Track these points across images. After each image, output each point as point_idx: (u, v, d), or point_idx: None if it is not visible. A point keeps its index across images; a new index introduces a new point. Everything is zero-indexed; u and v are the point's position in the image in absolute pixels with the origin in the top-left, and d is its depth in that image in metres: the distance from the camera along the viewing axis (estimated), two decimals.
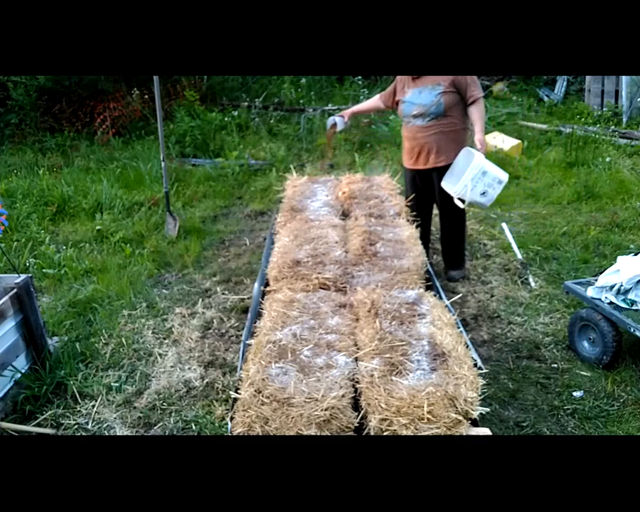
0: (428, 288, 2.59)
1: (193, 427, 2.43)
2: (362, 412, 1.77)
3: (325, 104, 7.82)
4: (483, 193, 3.21)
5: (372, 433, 1.71)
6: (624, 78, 7.54)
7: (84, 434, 2.40)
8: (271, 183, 5.46)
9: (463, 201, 3.21)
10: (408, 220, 3.21)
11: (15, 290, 2.52)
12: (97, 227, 4.51)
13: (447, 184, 3.32)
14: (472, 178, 3.13)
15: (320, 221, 3.12)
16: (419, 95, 3.37)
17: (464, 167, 3.19)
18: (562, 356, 2.94)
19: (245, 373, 1.90)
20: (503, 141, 6.33)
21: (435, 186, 3.55)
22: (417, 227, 3.13)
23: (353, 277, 2.58)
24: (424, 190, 3.68)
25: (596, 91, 8.03)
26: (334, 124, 3.70)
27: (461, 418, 1.71)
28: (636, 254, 2.87)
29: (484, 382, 1.89)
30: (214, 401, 2.57)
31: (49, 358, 2.71)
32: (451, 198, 3.29)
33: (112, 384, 2.69)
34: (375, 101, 3.79)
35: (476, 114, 3.36)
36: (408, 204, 3.56)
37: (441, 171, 3.41)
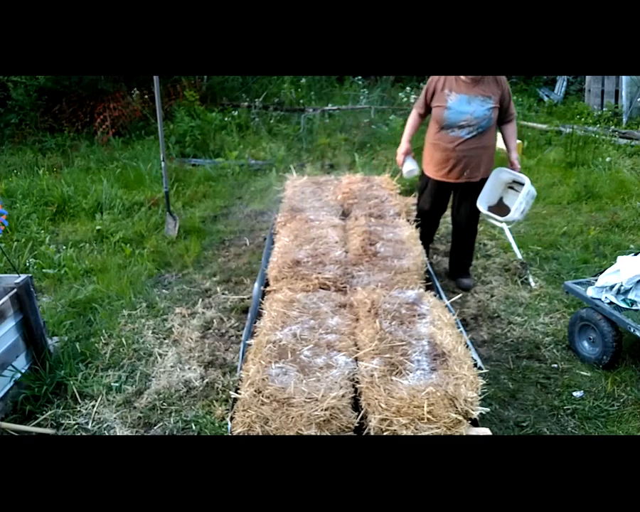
0: (428, 288, 2.59)
1: (193, 427, 2.43)
2: (362, 412, 1.78)
3: (325, 104, 7.82)
4: (523, 210, 3.38)
5: (372, 433, 1.71)
6: (624, 78, 7.54)
7: (84, 434, 2.40)
8: (271, 183, 5.46)
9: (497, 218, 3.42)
10: (408, 220, 3.22)
11: (15, 290, 2.52)
12: (97, 227, 4.50)
13: (482, 204, 3.40)
14: (526, 202, 3.32)
15: (320, 221, 3.12)
16: (467, 105, 3.14)
17: (497, 187, 3.43)
18: (562, 356, 2.93)
19: (245, 373, 1.90)
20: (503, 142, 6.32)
21: (460, 199, 3.48)
22: (418, 228, 3.15)
23: (353, 277, 2.58)
24: (444, 201, 3.57)
25: (596, 91, 8.03)
26: (412, 169, 3.42)
27: (461, 418, 1.71)
28: (636, 254, 2.87)
29: (484, 382, 1.89)
30: (214, 401, 2.57)
31: (49, 358, 2.70)
32: (471, 210, 3.43)
33: (112, 384, 2.69)
34: (416, 117, 3.45)
35: (512, 132, 3.35)
36: (415, 206, 3.58)
37: (473, 186, 3.34)
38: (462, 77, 3.16)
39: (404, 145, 3.43)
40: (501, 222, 3.46)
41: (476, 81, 3.14)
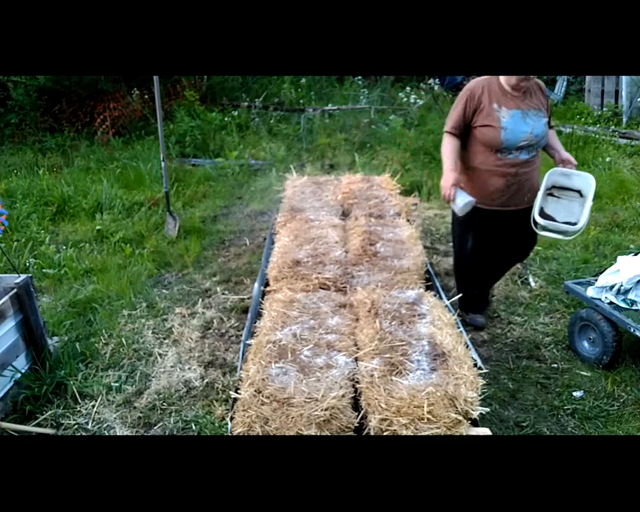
0: (428, 288, 2.59)
1: (193, 427, 2.43)
2: (362, 412, 1.77)
3: (325, 104, 7.82)
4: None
5: (372, 433, 1.71)
6: (624, 78, 7.54)
7: (84, 434, 2.40)
8: (271, 183, 5.46)
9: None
10: (408, 220, 3.21)
11: (15, 290, 2.52)
12: (97, 227, 4.50)
13: (538, 218, 2.72)
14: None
15: (320, 221, 3.12)
16: (523, 122, 2.69)
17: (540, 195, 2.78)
18: (562, 356, 2.94)
19: (245, 373, 1.90)
20: None
21: (516, 228, 2.91)
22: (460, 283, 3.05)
23: (353, 277, 2.58)
24: (496, 234, 2.98)
25: (596, 91, 8.04)
26: (469, 201, 2.73)
27: (461, 418, 1.71)
28: (636, 254, 2.87)
29: (484, 382, 1.89)
30: (214, 401, 2.57)
31: (49, 358, 2.71)
32: (529, 235, 2.93)
33: (112, 384, 2.69)
34: (455, 141, 2.82)
35: (553, 133, 2.95)
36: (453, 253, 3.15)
37: (529, 210, 2.79)
38: (507, 86, 2.71)
39: (451, 175, 2.74)
40: (569, 233, 2.74)
41: (524, 91, 2.72)
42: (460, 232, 3.05)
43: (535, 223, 2.75)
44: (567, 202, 2.85)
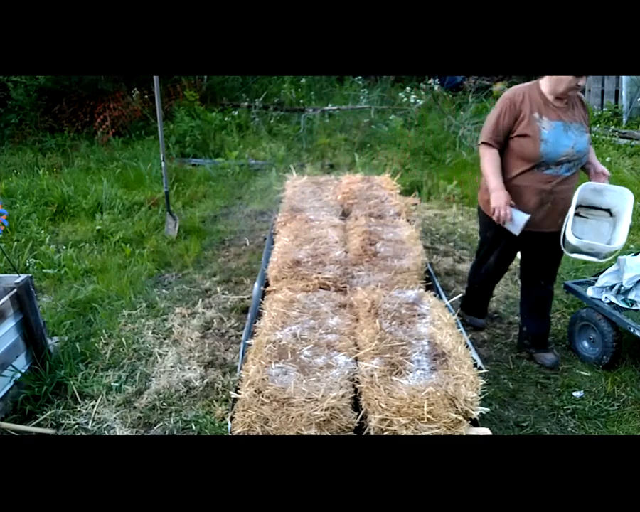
0: (428, 288, 2.59)
1: (193, 427, 2.43)
2: (362, 412, 1.77)
3: (325, 104, 7.82)
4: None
5: (372, 433, 1.71)
6: (624, 78, 7.55)
7: (84, 434, 2.40)
8: (271, 183, 5.46)
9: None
10: (408, 220, 3.22)
11: (15, 290, 2.52)
12: (97, 227, 4.50)
13: (570, 237, 2.47)
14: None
15: (320, 221, 3.12)
16: (565, 135, 2.46)
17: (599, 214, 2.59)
18: (562, 356, 2.93)
19: (245, 373, 1.90)
20: None
21: (545, 251, 2.71)
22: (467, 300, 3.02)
23: (353, 277, 2.58)
24: (513, 256, 2.85)
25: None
26: (525, 219, 2.53)
27: (461, 418, 1.71)
28: (636, 254, 2.87)
29: (484, 382, 1.89)
30: (214, 401, 2.57)
31: (49, 358, 2.70)
32: (557, 259, 2.74)
33: (112, 384, 2.69)
34: (495, 153, 2.60)
35: (591, 150, 2.67)
36: (472, 266, 3.03)
37: (557, 235, 2.59)
38: (550, 95, 2.48)
39: (502, 194, 2.51)
40: (603, 255, 2.50)
41: (566, 102, 2.50)
42: (482, 255, 2.92)
43: (564, 243, 2.52)
44: (596, 222, 2.63)
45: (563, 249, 2.56)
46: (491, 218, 2.58)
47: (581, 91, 2.51)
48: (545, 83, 2.50)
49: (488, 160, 2.60)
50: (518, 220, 2.52)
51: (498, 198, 2.52)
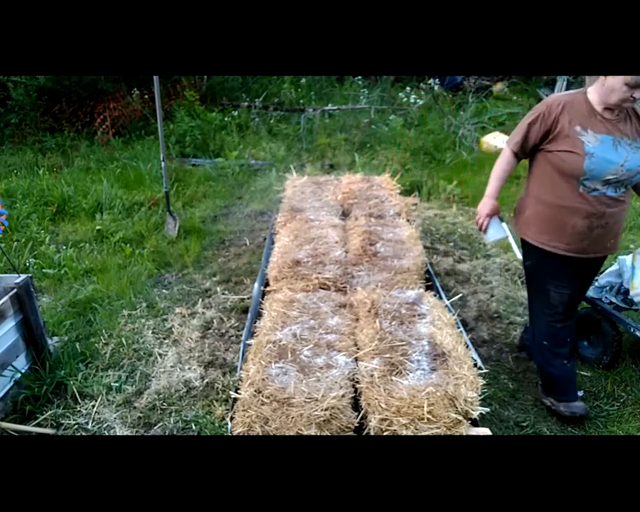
0: (428, 288, 2.59)
1: (193, 427, 2.43)
2: (362, 412, 1.78)
3: (325, 104, 7.82)
4: None
5: (372, 433, 1.71)
6: None
7: (84, 434, 2.40)
8: (271, 183, 5.46)
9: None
10: (408, 220, 3.22)
11: (15, 290, 2.52)
12: (97, 227, 4.50)
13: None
14: None
15: (320, 221, 3.12)
16: (614, 150, 2.16)
17: None
18: None
19: (245, 373, 1.90)
20: (504, 141, 6.33)
21: (592, 275, 2.54)
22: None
23: (353, 277, 2.58)
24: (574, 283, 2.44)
25: None
26: (501, 236, 2.50)
27: (461, 418, 1.71)
28: None
29: (484, 382, 1.89)
30: (214, 401, 2.57)
31: (49, 358, 2.70)
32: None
33: (112, 384, 2.69)
34: (512, 161, 2.41)
35: None
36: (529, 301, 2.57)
37: (603, 258, 2.45)
38: (599, 106, 2.21)
39: (489, 203, 2.43)
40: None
41: (619, 115, 2.21)
42: (537, 286, 2.49)
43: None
44: None
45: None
46: (535, 246, 2.38)
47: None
48: (594, 92, 2.23)
49: (500, 166, 2.43)
50: (491, 234, 2.44)
51: (483, 205, 2.45)
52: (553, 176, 2.30)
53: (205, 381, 2.72)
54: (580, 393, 2.62)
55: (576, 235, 2.28)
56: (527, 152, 2.36)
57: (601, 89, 2.19)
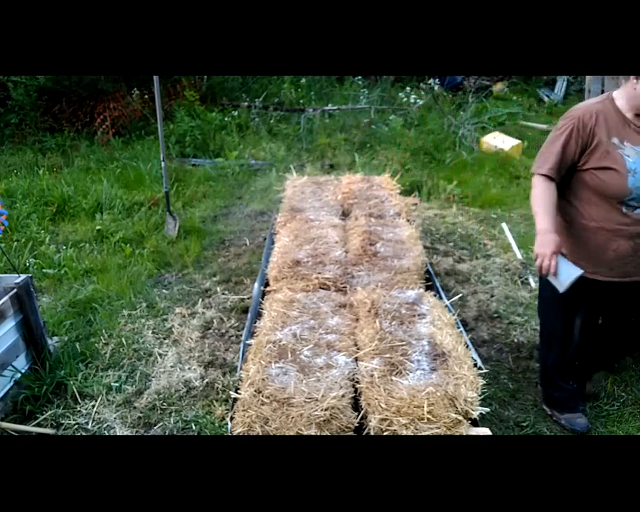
0: (428, 288, 2.59)
1: (193, 427, 2.43)
2: (362, 412, 1.78)
3: (325, 104, 7.82)
4: None
5: (372, 433, 1.71)
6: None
7: (84, 434, 2.40)
8: (271, 183, 5.46)
9: None
10: (408, 220, 3.22)
11: (15, 290, 2.52)
12: (97, 227, 4.50)
13: None
14: None
15: (320, 221, 3.12)
16: None
17: None
18: None
19: (245, 373, 1.90)
20: (504, 141, 6.34)
21: (623, 306, 2.29)
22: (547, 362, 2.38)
23: (353, 277, 2.58)
24: (607, 310, 2.32)
25: (596, 91, 8.02)
26: (576, 274, 1.96)
27: (461, 418, 1.71)
28: None
29: (484, 382, 1.89)
30: (214, 401, 2.57)
31: (49, 358, 2.70)
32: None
33: (112, 384, 2.69)
34: (552, 188, 2.06)
35: None
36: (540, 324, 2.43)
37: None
38: (630, 113, 1.98)
39: (550, 239, 1.97)
40: None
41: None
42: (552, 309, 2.28)
43: None
44: None
45: None
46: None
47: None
48: (621, 97, 1.99)
49: (540, 196, 2.05)
50: (565, 275, 1.97)
51: (543, 243, 1.97)
52: (588, 196, 2.06)
53: (205, 381, 2.72)
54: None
55: (619, 260, 2.05)
56: (562, 175, 2.08)
57: (629, 95, 1.95)
